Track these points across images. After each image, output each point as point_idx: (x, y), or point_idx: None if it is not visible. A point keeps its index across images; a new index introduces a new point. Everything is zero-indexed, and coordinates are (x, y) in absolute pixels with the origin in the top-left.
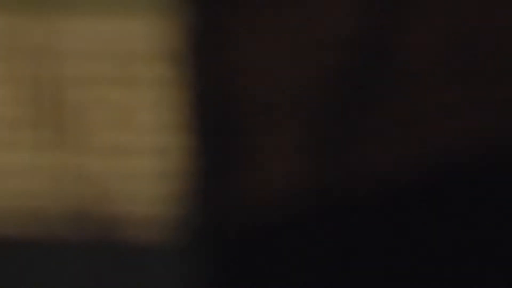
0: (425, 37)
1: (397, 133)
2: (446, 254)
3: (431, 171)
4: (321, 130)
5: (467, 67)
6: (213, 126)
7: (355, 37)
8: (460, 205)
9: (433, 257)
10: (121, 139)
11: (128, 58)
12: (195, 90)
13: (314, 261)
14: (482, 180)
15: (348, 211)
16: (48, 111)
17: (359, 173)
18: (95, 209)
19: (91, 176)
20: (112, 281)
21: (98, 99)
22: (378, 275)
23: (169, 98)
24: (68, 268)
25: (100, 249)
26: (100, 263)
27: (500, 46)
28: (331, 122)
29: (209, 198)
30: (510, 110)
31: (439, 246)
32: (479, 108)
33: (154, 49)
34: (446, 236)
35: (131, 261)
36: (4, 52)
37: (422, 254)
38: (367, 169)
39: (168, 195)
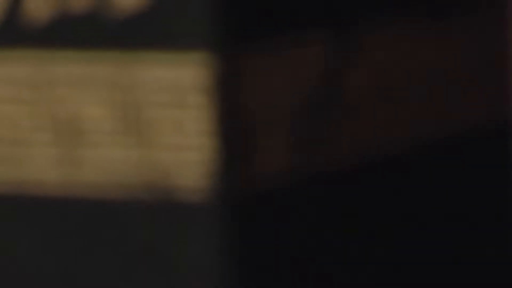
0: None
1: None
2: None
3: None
4: (304, 132)
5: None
6: (229, 133)
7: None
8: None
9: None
10: (177, 140)
11: (180, 92)
12: (219, 113)
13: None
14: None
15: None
16: (133, 125)
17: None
18: (160, 185)
19: (159, 165)
20: (166, 236)
21: (163, 117)
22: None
23: (205, 116)
24: (136, 225)
25: (160, 212)
26: (158, 223)
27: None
28: (311, 127)
29: (230, 178)
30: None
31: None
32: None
33: (196, 88)
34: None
35: (179, 220)
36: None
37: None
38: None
39: (205, 176)
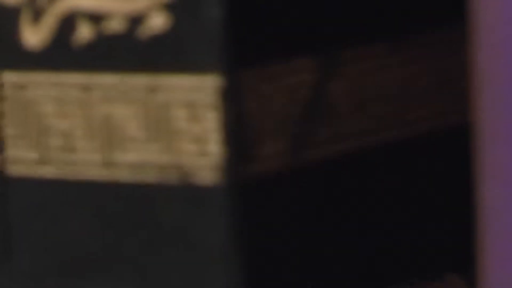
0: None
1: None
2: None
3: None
4: (297, 135)
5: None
6: (236, 136)
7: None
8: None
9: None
10: (195, 142)
11: (196, 105)
12: (229, 120)
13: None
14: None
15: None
16: (159, 132)
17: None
18: (182, 175)
19: (181, 160)
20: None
21: (183, 125)
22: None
23: (217, 122)
24: (162, 206)
25: (181, 195)
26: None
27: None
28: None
29: (237, 169)
30: None
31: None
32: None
33: (209, 101)
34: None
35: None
36: None
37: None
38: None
39: (218, 168)
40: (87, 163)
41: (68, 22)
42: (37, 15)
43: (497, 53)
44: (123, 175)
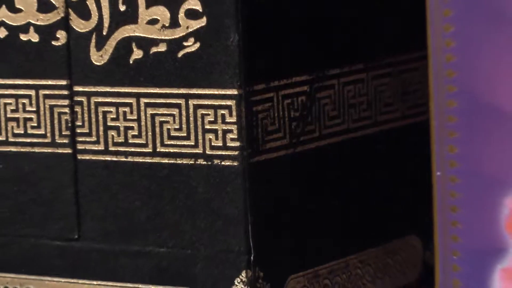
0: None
1: None
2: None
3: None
4: (296, 130)
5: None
6: (249, 133)
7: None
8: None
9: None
10: (218, 138)
11: (219, 113)
12: (244, 123)
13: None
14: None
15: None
16: (193, 131)
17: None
18: (210, 160)
19: (210, 150)
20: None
21: (209, 126)
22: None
23: (234, 124)
24: (195, 184)
25: (209, 175)
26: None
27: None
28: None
29: (252, 154)
30: None
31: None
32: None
33: (229, 110)
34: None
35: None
36: None
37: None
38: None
39: (239, 155)
40: (138, 152)
41: (125, 46)
42: (101, 40)
43: (444, 71)
44: (165, 161)
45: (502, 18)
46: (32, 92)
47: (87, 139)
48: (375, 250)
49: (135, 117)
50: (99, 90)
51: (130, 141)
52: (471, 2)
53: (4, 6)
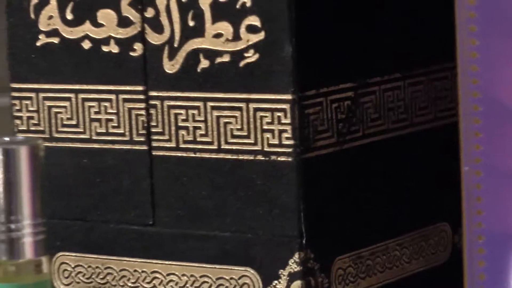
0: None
1: None
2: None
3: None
4: (342, 129)
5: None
6: (301, 131)
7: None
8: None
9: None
10: (274, 135)
11: (276, 115)
12: (296, 123)
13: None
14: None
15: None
16: (252, 131)
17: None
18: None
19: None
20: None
21: (267, 126)
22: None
23: (288, 124)
24: (254, 177)
25: (265, 168)
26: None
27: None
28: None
29: (304, 149)
30: None
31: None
32: None
33: (285, 111)
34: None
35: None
36: None
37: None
38: None
39: (292, 151)
40: (205, 149)
41: (193, 57)
42: (173, 51)
43: (471, 81)
44: (228, 156)
45: None
46: (113, 97)
47: (161, 138)
48: (411, 235)
49: (203, 118)
50: (171, 95)
51: (198, 139)
52: (494, 20)
53: (88, 21)
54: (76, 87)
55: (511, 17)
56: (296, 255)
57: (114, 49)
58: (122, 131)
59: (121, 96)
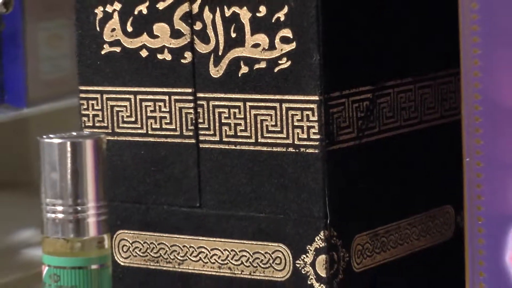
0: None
1: None
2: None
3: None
4: (362, 127)
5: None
6: (325, 129)
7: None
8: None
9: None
10: (303, 132)
11: (301, 114)
12: (322, 121)
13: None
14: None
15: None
16: (280, 125)
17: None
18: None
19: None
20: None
21: (298, 123)
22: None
23: (313, 122)
24: (287, 166)
25: (294, 159)
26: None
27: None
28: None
29: (329, 143)
30: None
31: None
32: None
33: (311, 111)
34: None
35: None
36: None
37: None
38: None
39: (318, 144)
40: (244, 142)
41: (235, 63)
42: (218, 59)
43: (474, 83)
44: (264, 149)
45: None
46: (166, 98)
47: (207, 133)
48: (420, 216)
49: (242, 116)
50: (216, 96)
51: (239, 134)
52: (494, 32)
53: (145, 33)
54: (135, 89)
55: (510, 30)
56: (321, 233)
57: (168, 57)
58: (173, 127)
59: (173, 97)
